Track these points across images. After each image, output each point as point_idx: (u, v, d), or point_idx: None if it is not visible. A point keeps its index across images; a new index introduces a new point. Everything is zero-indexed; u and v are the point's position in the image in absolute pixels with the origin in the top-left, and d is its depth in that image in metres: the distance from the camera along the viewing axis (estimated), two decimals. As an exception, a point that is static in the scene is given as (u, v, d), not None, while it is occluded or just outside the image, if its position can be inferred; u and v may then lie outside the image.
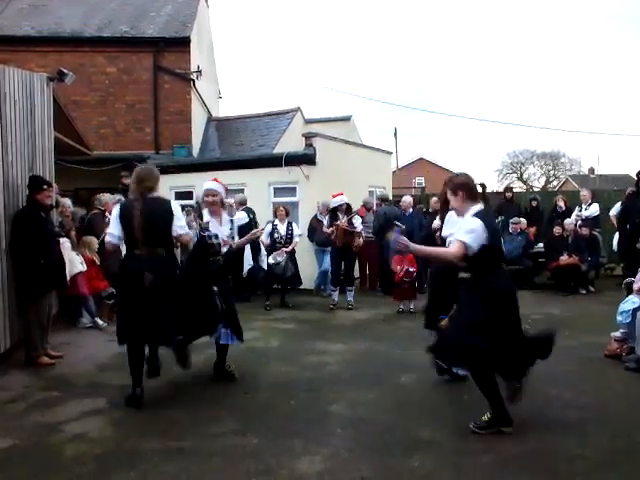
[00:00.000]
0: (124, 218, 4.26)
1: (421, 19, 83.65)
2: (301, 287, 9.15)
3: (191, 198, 9.40)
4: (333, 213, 8.56)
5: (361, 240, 8.50)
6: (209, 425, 3.98)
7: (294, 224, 9.03)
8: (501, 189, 26.28)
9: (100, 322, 7.17)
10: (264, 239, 8.48)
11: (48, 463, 3.44)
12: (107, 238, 4.43)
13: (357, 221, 8.55)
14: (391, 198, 11.51)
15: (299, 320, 7.76)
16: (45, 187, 5.64)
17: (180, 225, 4.37)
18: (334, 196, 8.62)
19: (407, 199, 10.46)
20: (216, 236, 4.72)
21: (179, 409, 4.30)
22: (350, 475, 3.25)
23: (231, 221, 5.01)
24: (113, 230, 4.34)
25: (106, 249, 4.72)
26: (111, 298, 7.58)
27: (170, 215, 4.31)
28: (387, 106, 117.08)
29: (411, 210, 10.10)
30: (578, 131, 74.42)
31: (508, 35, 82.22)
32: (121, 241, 4.40)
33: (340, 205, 8.48)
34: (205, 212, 4.86)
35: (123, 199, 8.83)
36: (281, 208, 8.87)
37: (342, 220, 8.38)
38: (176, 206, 4.47)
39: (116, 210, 4.40)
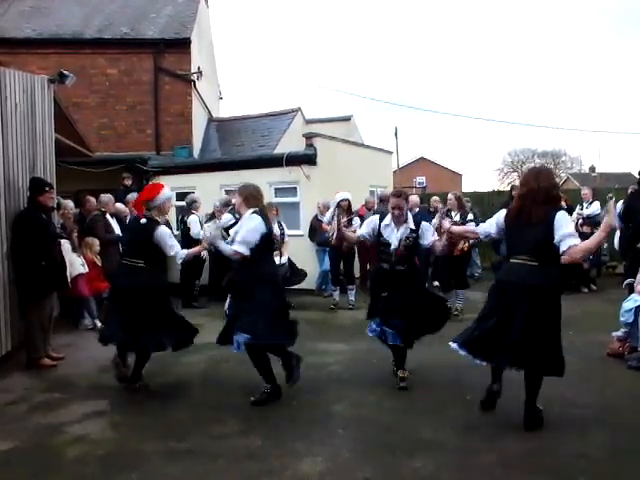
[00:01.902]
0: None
1: (422, 18, 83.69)
2: (302, 287, 9.14)
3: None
4: (338, 209, 8.52)
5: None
6: (212, 426, 3.98)
7: (283, 224, 8.95)
8: (502, 188, 26.27)
9: (99, 324, 7.16)
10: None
11: (50, 465, 3.44)
12: (242, 249, 4.36)
13: (356, 223, 8.57)
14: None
15: (300, 320, 7.72)
16: (47, 189, 5.65)
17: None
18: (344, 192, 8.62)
19: (413, 198, 10.43)
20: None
21: (181, 410, 4.31)
22: (352, 475, 3.24)
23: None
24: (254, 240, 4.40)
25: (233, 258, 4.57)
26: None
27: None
28: (388, 106, 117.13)
29: (417, 209, 10.07)
30: (579, 129, 74.22)
31: (509, 34, 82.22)
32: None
33: (342, 201, 8.47)
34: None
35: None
36: (273, 208, 8.75)
37: (342, 219, 8.37)
38: None
39: (260, 221, 4.44)
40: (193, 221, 8.75)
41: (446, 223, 4.66)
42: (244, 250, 4.38)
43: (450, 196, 8.05)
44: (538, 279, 3.73)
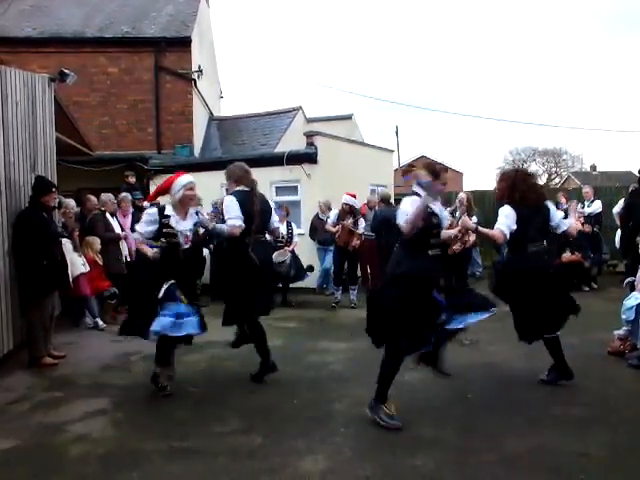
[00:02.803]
0: (244, 206, 4.57)
1: (422, 17, 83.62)
2: (304, 286, 9.16)
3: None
4: (342, 212, 8.57)
5: (358, 242, 8.56)
6: (213, 424, 3.99)
7: (293, 224, 9.05)
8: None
9: (100, 323, 7.16)
10: None
11: (51, 463, 3.45)
12: (238, 222, 4.52)
13: (362, 224, 8.62)
14: (393, 197, 11.50)
15: (302, 319, 7.76)
16: (53, 189, 5.68)
17: (277, 220, 5.04)
18: (348, 194, 8.64)
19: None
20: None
21: (182, 409, 4.31)
22: (353, 474, 3.25)
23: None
24: (240, 214, 4.55)
25: (234, 234, 4.58)
26: (113, 298, 7.59)
27: (271, 209, 4.90)
28: (388, 104, 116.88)
29: None
30: (580, 128, 73.86)
31: (509, 32, 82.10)
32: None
33: (347, 204, 8.53)
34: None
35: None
36: (283, 208, 8.86)
37: (348, 221, 8.42)
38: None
39: (234, 198, 4.62)
40: None
41: (469, 222, 4.40)
42: (239, 222, 4.53)
43: (462, 195, 8.04)
44: (554, 258, 4.38)
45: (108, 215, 7.98)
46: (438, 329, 3.90)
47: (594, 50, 75.02)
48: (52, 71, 7.56)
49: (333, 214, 8.79)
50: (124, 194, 8.97)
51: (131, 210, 8.83)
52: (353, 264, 8.78)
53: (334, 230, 8.56)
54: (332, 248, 9.02)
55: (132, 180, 10.37)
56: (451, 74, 77.27)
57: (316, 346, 6.18)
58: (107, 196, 8.12)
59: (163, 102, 13.08)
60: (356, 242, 8.53)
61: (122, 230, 8.18)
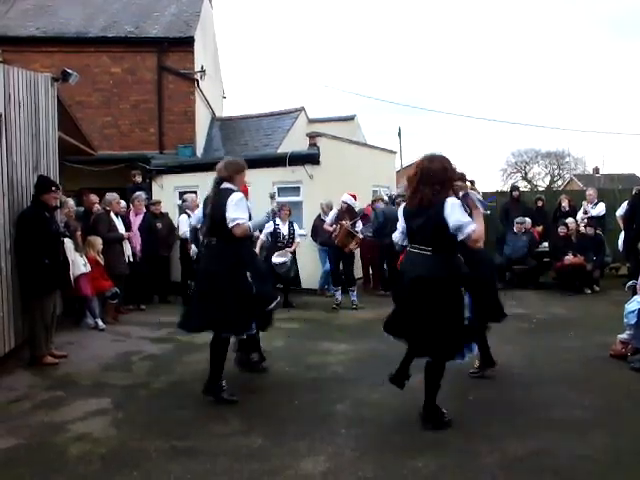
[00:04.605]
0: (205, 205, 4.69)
1: (425, 18, 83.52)
2: (305, 287, 9.16)
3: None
4: (341, 211, 8.56)
5: (356, 246, 8.55)
6: (214, 425, 3.99)
7: (295, 224, 9.05)
8: (506, 188, 26.19)
9: (100, 324, 7.14)
10: (262, 237, 8.43)
11: (52, 463, 3.45)
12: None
13: (359, 226, 8.63)
14: (390, 197, 11.48)
15: (303, 320, 7.75)
16: (53, 189, 5.68)
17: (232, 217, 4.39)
18: (349, 194, 8.64)
19: None
20: None
21: (183, 409, 4.31)
22: (354, 476, 3.24)
23: None
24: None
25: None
26: (115, 298, 7.59)
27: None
28: (391, 105, 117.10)
29: None
30: (582, 130, 73.94)
31: (512, 34, 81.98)
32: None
33: (345, 202, 8.52)
34: None
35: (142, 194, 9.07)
36: (285, 208, 8.85)
37: (346, 222, 8.41)
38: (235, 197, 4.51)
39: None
40: (182, 221, 9.01)
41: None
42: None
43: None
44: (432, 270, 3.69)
45: (112, 215, 7.97)
46: None
47: (597, 52, 74.97)
48: (55, 70, 7.58)
49: (332, 214, 8.78)
50: (139, 193, 9.00)
51: (144, 210, 8.86)
52: (349, 265, 8.75)
53: (331, 229, 8.56)
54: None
55: (138, 179, 10.38)
56: (454, 75, 77.25)
57: (317, 347, 6.17)
58: (112, 196, 8.11)
59: (166, 102, 13.10)
60: (354, 246, 8.51)
61: (130, 229, 8.19)
